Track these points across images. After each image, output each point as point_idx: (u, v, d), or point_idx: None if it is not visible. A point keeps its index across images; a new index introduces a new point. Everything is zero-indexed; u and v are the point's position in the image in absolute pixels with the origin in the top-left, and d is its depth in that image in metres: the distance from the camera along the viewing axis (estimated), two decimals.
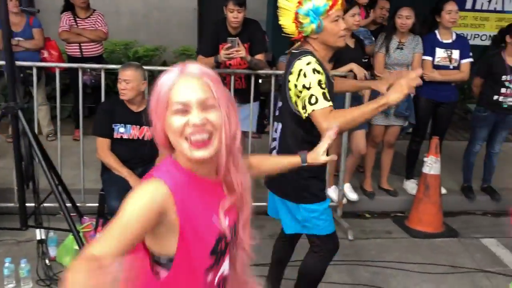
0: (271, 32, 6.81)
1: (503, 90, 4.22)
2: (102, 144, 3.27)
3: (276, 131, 2.45)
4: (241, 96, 3.97)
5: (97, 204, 3.37)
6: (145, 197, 1.16)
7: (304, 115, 2.19)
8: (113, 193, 3.16)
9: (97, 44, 5.11)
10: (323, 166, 2.42)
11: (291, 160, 1.79)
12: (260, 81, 4.91)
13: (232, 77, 3.94)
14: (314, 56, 2.20)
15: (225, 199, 1.32)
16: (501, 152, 4.59)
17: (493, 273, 3.52)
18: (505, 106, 4.26)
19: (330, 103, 2.14)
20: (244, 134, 4.00)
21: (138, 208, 1.13)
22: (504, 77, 4.19)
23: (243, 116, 4.06)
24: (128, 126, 3.29)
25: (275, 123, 2.48)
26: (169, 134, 1.24)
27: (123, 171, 3.22)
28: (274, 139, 2.47)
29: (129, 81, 3.18)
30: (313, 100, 2.12)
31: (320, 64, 2.20)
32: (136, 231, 1.12)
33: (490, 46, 4.54)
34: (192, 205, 1.23)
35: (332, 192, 4.28)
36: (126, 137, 3.29)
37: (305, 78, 2.14)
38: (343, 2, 2.23)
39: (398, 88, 2.05)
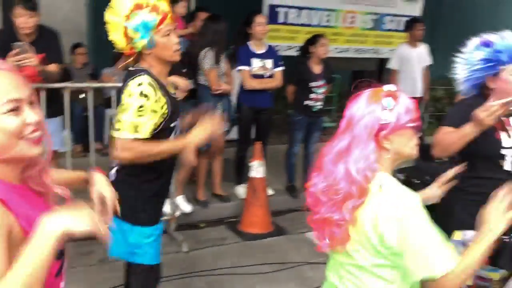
0: (92, 43, 6.49)
1: (312, 95, 4.65)
2: None
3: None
4: (47, 109, 3.57)
5: None
6: None
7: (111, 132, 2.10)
8: None
9: None
10: (166, 186, 2.37)
11: (80, 177, 1.66)
12: (83, 95, 4.62)
13: (44, 91, 3.58)
14: (150, 74, 2.10)
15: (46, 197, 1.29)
16: (316, 151, 5.05)
17: (317, 264, 3.82)
18: (315, 110, 4.70)
19: (136, 136, 2.05)
20: (56, 153, 3.66)
21: None
22: (311, 84, 4.62)
23: (51, 131, 3.68)
24: None
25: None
26: None
27: None
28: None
29: None
30: (119, 126, 2.05)
31: (157, 81, 2.11)
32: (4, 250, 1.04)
33: (299, 56, 4.94)
34: (26, 213, 1.16)
35: (165, 206, 4.20)
36: None
37: (129, 98, 2.04)
38: (173, 16, 2.18)
39: (201, 129, 2.13)
